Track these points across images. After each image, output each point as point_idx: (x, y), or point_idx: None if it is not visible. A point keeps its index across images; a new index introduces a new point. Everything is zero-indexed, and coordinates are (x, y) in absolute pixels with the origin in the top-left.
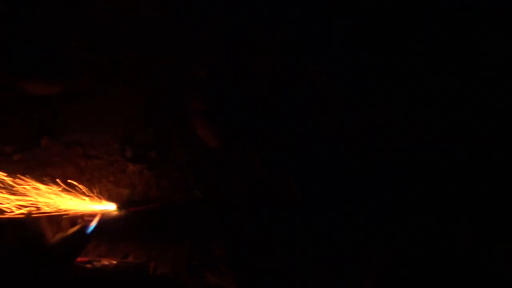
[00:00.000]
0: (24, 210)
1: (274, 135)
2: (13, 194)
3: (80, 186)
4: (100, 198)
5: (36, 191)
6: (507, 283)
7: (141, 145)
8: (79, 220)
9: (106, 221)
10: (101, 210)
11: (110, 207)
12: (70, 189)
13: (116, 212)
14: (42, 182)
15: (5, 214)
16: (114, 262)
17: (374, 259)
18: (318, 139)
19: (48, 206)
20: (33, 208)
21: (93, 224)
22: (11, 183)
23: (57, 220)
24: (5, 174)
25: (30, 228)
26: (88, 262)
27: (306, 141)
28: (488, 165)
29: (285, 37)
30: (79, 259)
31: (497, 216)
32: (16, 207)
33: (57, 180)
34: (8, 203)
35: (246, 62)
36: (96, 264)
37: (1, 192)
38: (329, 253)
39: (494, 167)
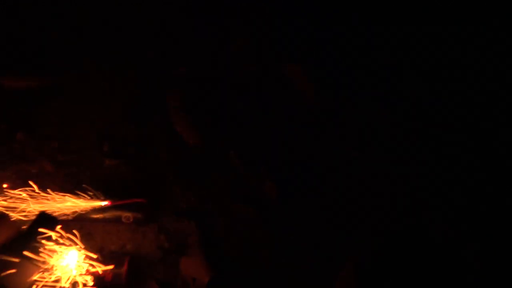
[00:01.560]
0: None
1: (252, 132)
2: None
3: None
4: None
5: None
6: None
7: (120, 141)
8: None
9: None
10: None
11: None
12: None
13: (99, 206)
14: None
15: None
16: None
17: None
18: (296, 137)
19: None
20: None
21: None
22: None
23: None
24: None
25: None
26: None
27: (284, 139)
28: (461, 164)
29: (263, 36)
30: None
31: (472, 215)
32: None
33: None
34: None
35: (225, 60)
36: None
37: None
38: (306, 249)
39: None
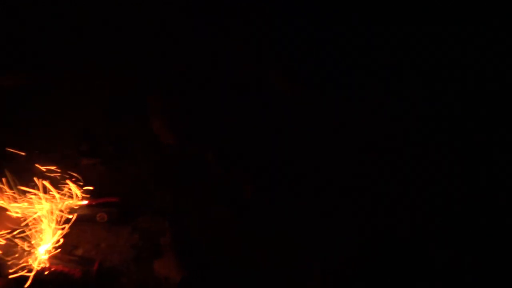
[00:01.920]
0: None
1: (229, 134)
2: None
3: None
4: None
5: None
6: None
7: (99, 140)
8: None
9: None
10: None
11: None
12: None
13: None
14: None
15: None
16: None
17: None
18: (273, 136)
19: None
20: None
21: None
22: None
23: None
24: None
25: None
26: None
27: (261, 139)
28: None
29: (263, 36)
30: None
31: (437, 218)
32: None
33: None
34: None
35: (206, 63)
36: None
37: None
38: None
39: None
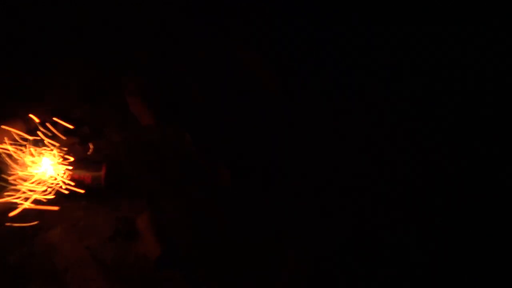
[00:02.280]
0: None
1: (209, 117)
2: None
3: None
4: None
5: None
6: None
7: (75, 120)
8: None
9: None
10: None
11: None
12: None
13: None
14: None
15: None
16: None
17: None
18: (255, 124)
19: None
20: None
21: None
22: None
23: None
24: None
25: None
26: None
27: (243, 125)
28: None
29: (263, 36)
30: None
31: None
32: None
33: None
34: None
35: (184, 46)
36: None
37: None
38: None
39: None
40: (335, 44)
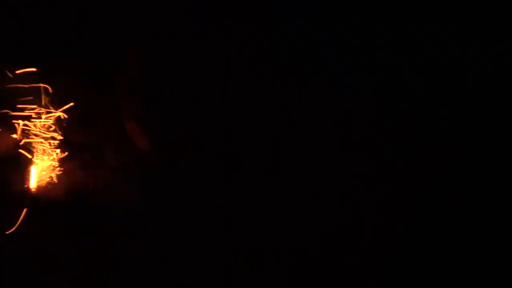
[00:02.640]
0: None
1: (205, 116)
2: None
3: None
4: None
5: None
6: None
7: (73, 145)
8: None
9: None
10: None
11: None
12: None
13: None
14: None
15: None
16: None
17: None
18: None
19: None
20: None
21: None
22: None
23: None
24: None
25: None
26: None
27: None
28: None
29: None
30: None
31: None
32: None
33: None
34: None
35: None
36: None
37: None
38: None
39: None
40: (335, 44)
